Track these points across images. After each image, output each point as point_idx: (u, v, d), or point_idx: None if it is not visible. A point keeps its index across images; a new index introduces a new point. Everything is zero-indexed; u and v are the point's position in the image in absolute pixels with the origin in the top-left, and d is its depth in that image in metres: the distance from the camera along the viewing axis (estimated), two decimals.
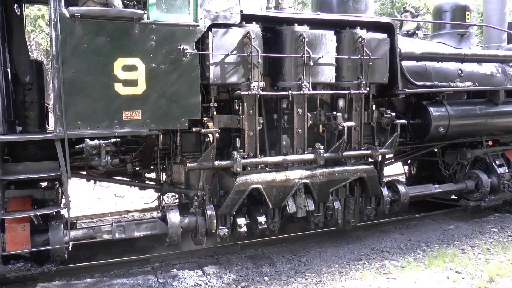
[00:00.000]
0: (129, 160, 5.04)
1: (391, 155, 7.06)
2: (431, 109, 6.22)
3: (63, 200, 5.92)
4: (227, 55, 4.79)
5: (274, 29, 5.26)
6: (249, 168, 5.14)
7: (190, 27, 4.68)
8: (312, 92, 5.22)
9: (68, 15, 4.22)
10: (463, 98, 7.04)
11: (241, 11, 4.87)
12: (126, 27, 4.44)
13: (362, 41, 5.39)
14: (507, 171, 7.00)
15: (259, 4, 5.70)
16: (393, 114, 5.78)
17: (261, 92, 4.98)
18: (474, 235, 6.40)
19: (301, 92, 5.15)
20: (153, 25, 4.54)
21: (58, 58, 4.22)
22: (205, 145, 5.13)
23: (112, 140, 4.43)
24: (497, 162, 7.02)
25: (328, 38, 5.28)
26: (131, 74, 4.49)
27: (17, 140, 4.29)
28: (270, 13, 5.14)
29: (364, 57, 5.43)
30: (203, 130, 4.74)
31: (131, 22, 4.44)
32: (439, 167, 7.19)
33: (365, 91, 5.53)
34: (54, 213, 4.77)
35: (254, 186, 5.07)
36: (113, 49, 4.42)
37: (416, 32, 7.73)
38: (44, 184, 4.95)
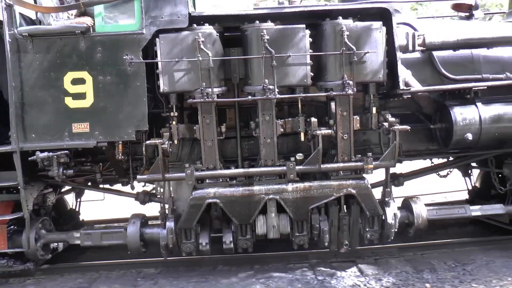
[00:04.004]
0: (97, 169, 5.17)
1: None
2: (455, 110, 4.92)
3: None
4: (176, 62, 4.54)
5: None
6: (209, 181, 4.81)
7: (135, 35, 4.56)
8: (278, 96, 4.60)
9: (21, 35, 4.52)
10: None
11: (189, 14, 4.56)
12: (73, 41, 4.56)
13: (343, 33, 4.54)
14: None
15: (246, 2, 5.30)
16: (392, 119, 4.74)
17: (216, 99, 4.60)
18: None
19: (265, 97, 4.59)
20: (98, 37, 4.57)
21: (13, 75, 4.56)
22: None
23: (61, 152, 4.60)
24: None
25: (299, 33, 4.58)
26: (80, 87, 4.60)
27: None
28: (222, 12, 4.69)
29: (346, 52, 4.56)
30: (147, 142, 4.59)
31: (77, 36, 4.54)
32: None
33: (351, 92, 4.64)
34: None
35: (210, 200, 4.71)
36: (63, 64, 4.58)
37: (473, 13, 6.21)
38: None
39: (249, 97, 4.68)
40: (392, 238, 5.01)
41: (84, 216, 6.74)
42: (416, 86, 5.22)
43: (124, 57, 4.52)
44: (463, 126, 4.85)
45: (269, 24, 4.59)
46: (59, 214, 6.32)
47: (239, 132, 5.07)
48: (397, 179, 5.51)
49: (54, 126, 4.62)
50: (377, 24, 4.67)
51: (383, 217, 4.97)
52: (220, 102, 4.70)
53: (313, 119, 4.69)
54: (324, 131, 4.61)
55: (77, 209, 6.55)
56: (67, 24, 4.59)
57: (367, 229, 5.02)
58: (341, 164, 4.80)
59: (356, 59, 4.58)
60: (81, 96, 4.60)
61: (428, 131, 5.44)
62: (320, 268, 5.19)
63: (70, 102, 4.60)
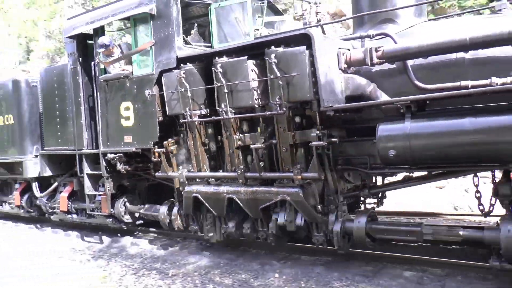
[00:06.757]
0: (151, 166, 7.40)
1: None
2: (380, 127, 4.79)
3: None
4: (172, 93, 6.30)
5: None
6: (198, 180, 6.37)
7: (150, 76, 6.56)
8: (231, 116, 5.74)
9: (102, 81, 7.22)
10: None
11: (177, 57, 6.20)
12: (123, 82, 6.94)
13: (271, 61, 5.27)
14: None
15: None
16: (313, 134, 5.12)
17: (194, 119, 6.11)
18: None
19: (222, 117, 5.81)
20: (134, 78, 6.79)
21: (100, 106, 7.31)
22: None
23: (119, 155, 7.07)
24: None
25: (243, 64, 5.56)
26: (127, 113, 6.94)
27: (84, 153, 7.73)
28: (193, 52, 6.10)
29: (271, 78, 5.28)
30: (155, 150, 6.52)
31: (125, 78, 6.89)
32: None
33: (281, 112, 5.30)
34: None
35: (194, 194, 6.28)
36: (119, 97, 7.02)
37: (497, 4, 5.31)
38: None
39: (213, 117, 5.98)
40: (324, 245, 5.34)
41: None
42: (383, 98, 5.31)
43: (145, 91, 6.59)
44: (386, 143, 4.73)
45: (223, 59, 5.76)
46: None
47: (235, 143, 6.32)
48: (362, 191, 5.62)
49: (116, 137, 7.14)
50: (301, 49, 5.14)
51: None
52: (198, 121, 6.16)
53: (247, 135, 5.63)
54: (256, 145, 5.48)
55: None
56: (118, 72, 7.00)
57: (315, 234, 5.52)
58: (276, 174, 5.54)
59: (281, 83, 5.23)
60: (128, 118, 6.95)
61: None
62: None
63: (123, 122, 7.02)
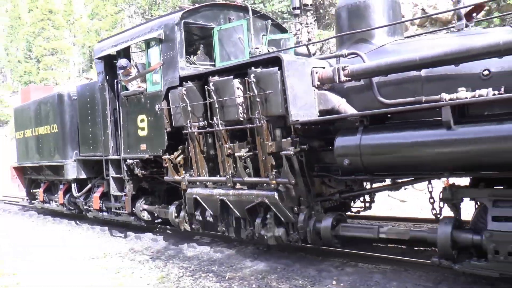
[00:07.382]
0: (165, 171, 8.38)
1: None
2: (337, 138, 5.38)
3: None
4: (176, 107, 7.25)
5: None
6: (198, 183, 7.25)
7: (159, 92, 7.55)
8: (221, 128, 6.57)
9: (123, 96, 8.34)
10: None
11: (180, 76, 7.14)
12: (139, 97, 8.00)
13: (249, 81, 6.05)
14: None
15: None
16: (289, 146, 5.82)
17: (193, 130, 7.01)
18: None
19: (214, 129, 6.67)
20: (148, 94, 7.82)
21: (122, 118, 8.42)
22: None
23: (136, 160, 8.13)
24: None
25: (229, 83, 6.39)
26: (143, 124, 7.99)
27: (108, 158, 8.86)
28: (191, 72, 6.98)
29: (251, 95, 6.05)
30: (163, 157, 7.49)
31: (140, 95, 7.95)
32: None
33: (260, 125, 6.05)
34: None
35: (194, 196, 7.16)
36: (137, 110, 8.08)
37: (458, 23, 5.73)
38: None
39: (208, 128, 6.85)
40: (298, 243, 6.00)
41: None
42: (350, 112, 5.93)
43: (156, 106, 7.59)
44: (341, 153, 5.33)
45: (215, 78, 6.61)
46: None
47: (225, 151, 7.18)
48: (334, 195, 6.23)
49: (134, 145, 8.21)
50: (273, 70, 5.87)
51: None
52: (197, 132, 7.05)
53: (234, 145, 6.40)
54: (239, 153, 6.27)
55: None
56: (135, 89, 8.06)
57: (291, 233, 6.21)
58: (256, 179, 6.29)
59: (259, 99, 5.99)
60: (143, 129, 7.99)
61: None
62: None
63: (139, 132, 8.07)
